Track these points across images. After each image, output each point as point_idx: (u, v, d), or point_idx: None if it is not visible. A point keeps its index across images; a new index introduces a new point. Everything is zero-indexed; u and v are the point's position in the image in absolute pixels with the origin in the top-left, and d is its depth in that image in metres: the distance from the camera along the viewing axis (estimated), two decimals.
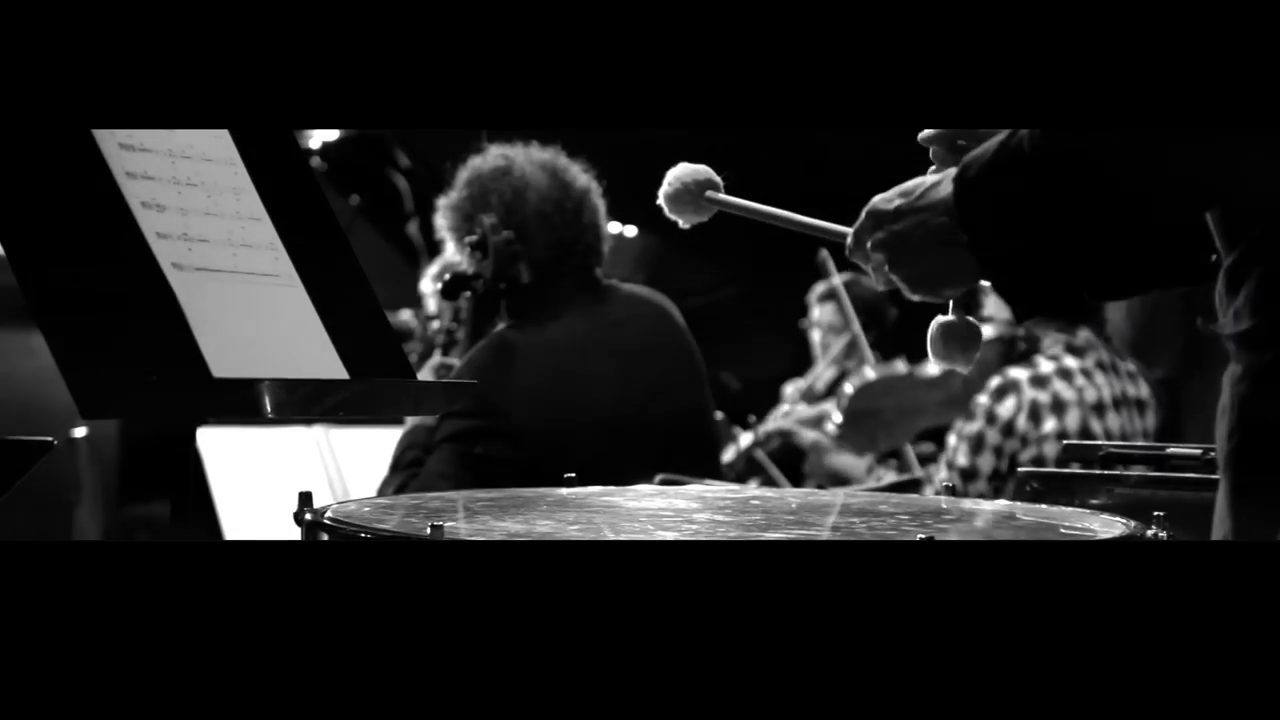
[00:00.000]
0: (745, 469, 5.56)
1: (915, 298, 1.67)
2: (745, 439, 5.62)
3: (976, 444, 4.04)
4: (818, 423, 5.55)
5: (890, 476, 5.08)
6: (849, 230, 1.71)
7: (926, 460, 5.30)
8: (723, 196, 1.88)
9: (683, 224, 1.92)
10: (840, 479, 5.20)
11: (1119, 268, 1.56)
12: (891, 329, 5.98)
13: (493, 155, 3.31)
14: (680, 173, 1.90)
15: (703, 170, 1.90)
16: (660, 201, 1.91)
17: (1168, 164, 1.46)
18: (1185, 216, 1.56)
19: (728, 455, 5.49)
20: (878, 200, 1.65)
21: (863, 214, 1.66)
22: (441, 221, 3.37)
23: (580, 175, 3.31)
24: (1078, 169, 1.48)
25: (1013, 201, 1.52)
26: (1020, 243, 1.53)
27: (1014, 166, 1.52)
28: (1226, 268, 1.53)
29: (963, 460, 4.06)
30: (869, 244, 1.65)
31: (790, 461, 5.53)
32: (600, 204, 3.32)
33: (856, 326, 5.71)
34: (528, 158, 3.29)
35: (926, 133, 1.81)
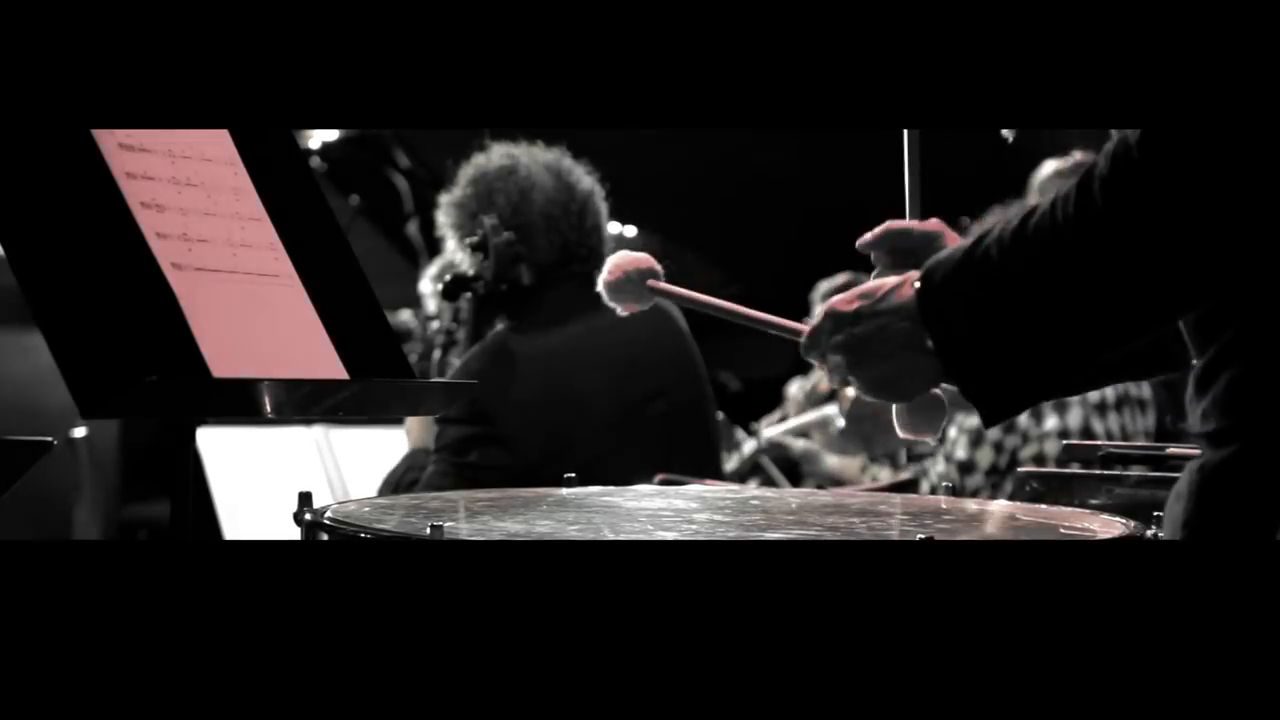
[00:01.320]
0: (748, 472, 5.56)
1: (875, 400, 1.67)
2: (749, 446, 5.62)
3: (976, 438, 4.04)
4: (822, 425, 5.55)
5: (885, 475, 5.08)
6: (802, 327, 1.70)
7: (922, 457, 5.30)
8: (664, 285, 1.91)
9: (622, 311, 1.95)
10: (834, 482, 5.20)
11: (1090, 369, 1.56)
12: None
13: (498, 154, 3.29)
14: (622, 261, 1.94)
15: (644, 259, 1.94)
16: (600, 289, 1.94)
17: (1141, 276, 1.45)
18: (1159, 324, 1.55)
19: (732, 463, 5.49)
20: (836, 301, 1.64)
21: (819, 314, 1.66)
22: (444, 219, 3.35)
23: (584, 177, 3.30)
24: (1049, 277, 1.48)
25: (981, 308, 1.52)
26: (988, 349, 1.52)
27: (982, 272, 1.51)
28: (1197, 371, 1.54)
29: (961, 454, 4.06)
30: (828, 345, 1.65)
31: (790, 462, 5.53)
32: (603, 206, 3.31)
33: None
34: (532, 158, 3.28)
35: (866, 239, 1.82)
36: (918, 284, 1.57)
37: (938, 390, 1.69)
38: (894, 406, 1.72)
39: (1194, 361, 1.57)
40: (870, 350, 1.61)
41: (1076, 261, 1.46)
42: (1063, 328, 1.49)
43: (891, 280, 1.61)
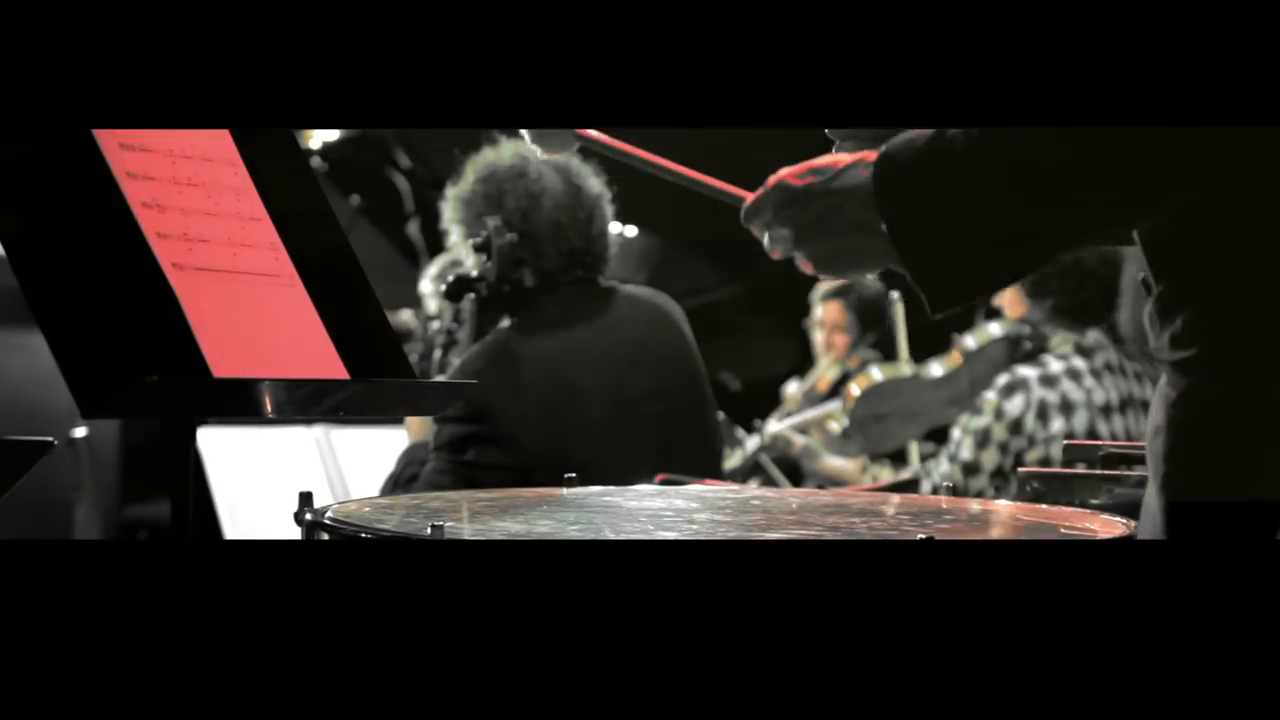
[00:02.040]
0: (750, 471, 5.56)
1: (821, 276, 1.66)
2: (751, 444, 5.62)
3: (982, 439, 4.04)
4: (820, 424, 5.55)
5: (885, 475, 5.08)
6: (745, 194, 1.68)
7: (925, 457, 5.31)
8: (592, 133, 1.86)
9: (542, 153, 1.90)
10: (835, 482, 5.20)
11: (1040, 259, 1.56)
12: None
13: (508, 152, 3.26)
14: None
15: None
16: (523, 131, 1.88)
17: (1119, 174, 1.45)
18: (1132, 224, 1.55)
19: (734, 461, 5.49)
20: (786, 174, 1.62)
21: (768, 185, 1.63)
22: (449, 213, 3.32)
23: (593, 181, 3.28)
24: (1017, 167, 1.47)
25: (939, 195, 1.51)
26: (943, 237, 1.52)
27: (946, 158, 1.50)
28: (1158, 295, 1.53)
29: (966, 454, 4.06)
30: (774, 217, 1.63)
31: (790, 461, 5.54)
32: (609, 210, 3.29)
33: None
34: (542, 159, 3.25)
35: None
36: (875, 166, 1.55)
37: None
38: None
39: (1141, 275, 1.56)
40: (821, 228, 1.59)
41: (1051, 152, 1.46)
42: (1026, 221, 1.49)
43: (846, 157, 1.59)
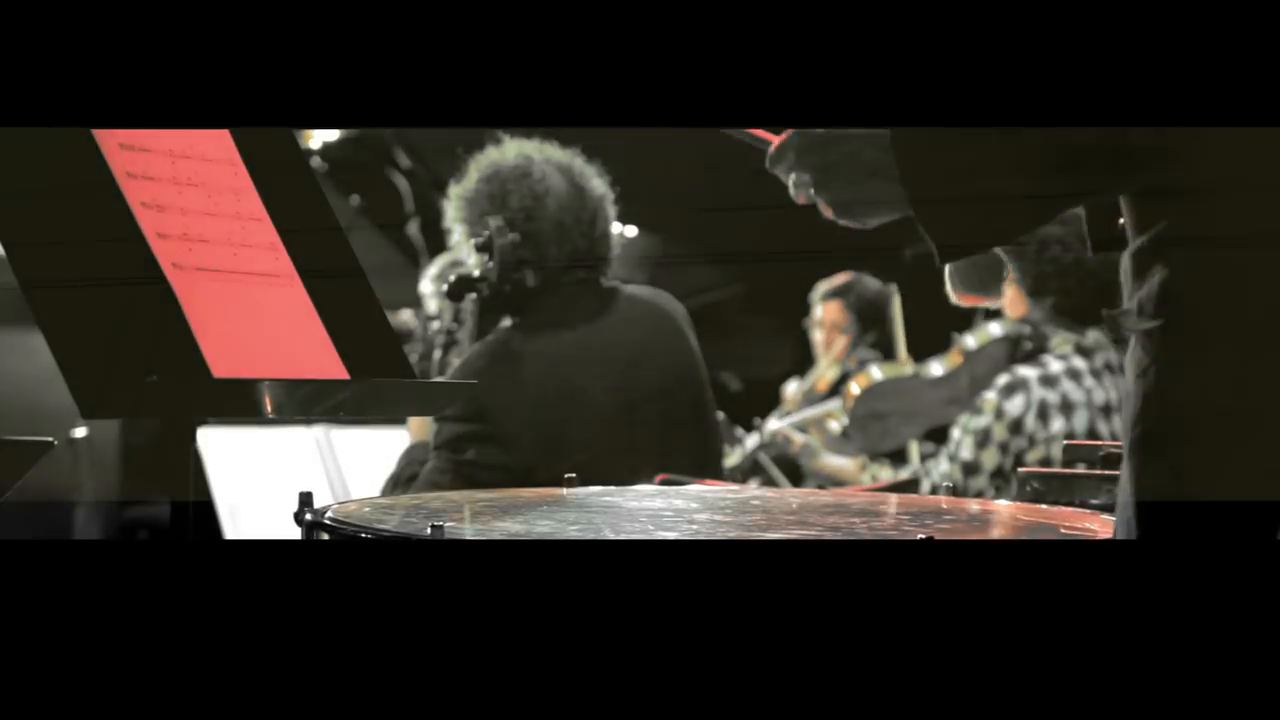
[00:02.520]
0: (749, 470, 5.56)
1: (841, 221, 1.67)
2: (751, 442, 5.62)
3: (982, 439, 4.03)
4: (820, 423, 5.55)
5: (885, 475, 5.07)
6: (769, 138, 1.69)
7: (925, 457, 5.31)
8: None
9: None
10: (834, 481, 5.19)
11: (1049, 211, 1.56)
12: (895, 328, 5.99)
13: (512, 151, 3.25)
14: None
15: None
16: None
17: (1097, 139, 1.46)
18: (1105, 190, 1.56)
19: (733, 459, 5.48)
20: None
21: (790, 131, 1.65)
22: (452, 212, 3.32)
23: (597, 183, 3.27)
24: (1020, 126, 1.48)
25: (951, 145, 1.52)
26: (952, 186, 1.53)
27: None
28: (1133, 251, 1.53)
29: (966, 454, 4.05)
30: (796, 162, 1.65)
31: (791, 461, 5.54)
32: (613, 211, 3.29)
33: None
34: (547, 159, 3.24)
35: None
36: None
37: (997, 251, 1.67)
38: (947, 268, 1.71)
39: (1121, 220, 1.56)
40: (840, 174, 1.61)
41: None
42: (1034, 173, 1.49)
43: None
